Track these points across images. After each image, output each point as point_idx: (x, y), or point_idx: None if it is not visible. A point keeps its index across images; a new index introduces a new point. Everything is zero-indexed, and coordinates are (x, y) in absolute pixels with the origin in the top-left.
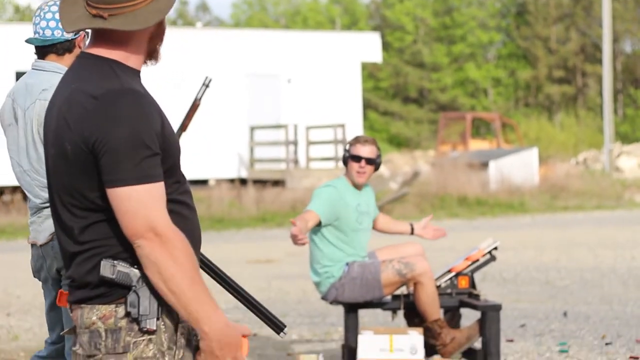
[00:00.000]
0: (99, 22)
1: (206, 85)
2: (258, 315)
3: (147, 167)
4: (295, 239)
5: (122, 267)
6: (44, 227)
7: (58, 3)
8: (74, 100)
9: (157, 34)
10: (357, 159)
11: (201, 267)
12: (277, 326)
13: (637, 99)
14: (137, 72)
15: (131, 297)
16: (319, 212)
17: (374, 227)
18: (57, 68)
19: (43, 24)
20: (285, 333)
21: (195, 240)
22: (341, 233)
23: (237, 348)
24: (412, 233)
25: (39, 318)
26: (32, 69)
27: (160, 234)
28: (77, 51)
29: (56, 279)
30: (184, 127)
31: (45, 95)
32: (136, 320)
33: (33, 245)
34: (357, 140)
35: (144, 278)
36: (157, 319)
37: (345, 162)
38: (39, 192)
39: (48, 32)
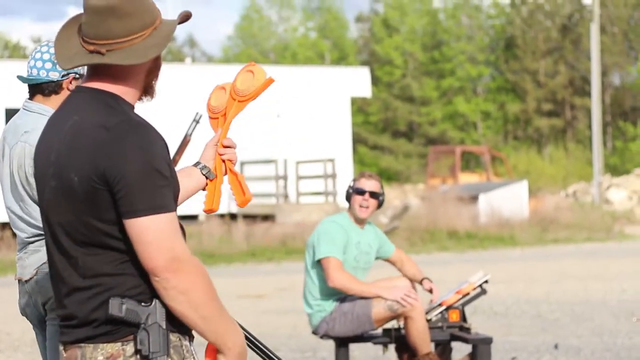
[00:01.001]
0: (97, 57)
1: (197, 121)
2: (260, 354)
3: (163, 197)
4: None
5: (131, 305)
6: (29, 262)
7: (50, 44)
8: (80, 131)
9: (153, 69)
10: (361, 192)
11: None
12: None
13: (626, 132)
14: (133, 107)
15: (141, 334)
16: (339, 256)
17: (394, 265)
18: (42, 110)
19: (32, 62)
20: None
21: None
22: None
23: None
24: (420, 283)
25: (29, 354)
26: (22, 108)
27: (184, 263)
28: (64, 93)
29: (41, 315)
30: (174, 162)
31: (27, 137)
32: (147, 358)
33: (19, 281)
34: (361, 175)
35: (152, 315)
36: (167, 355)
37: (348, 198)
38: (24, 227)
39: (34, 72)
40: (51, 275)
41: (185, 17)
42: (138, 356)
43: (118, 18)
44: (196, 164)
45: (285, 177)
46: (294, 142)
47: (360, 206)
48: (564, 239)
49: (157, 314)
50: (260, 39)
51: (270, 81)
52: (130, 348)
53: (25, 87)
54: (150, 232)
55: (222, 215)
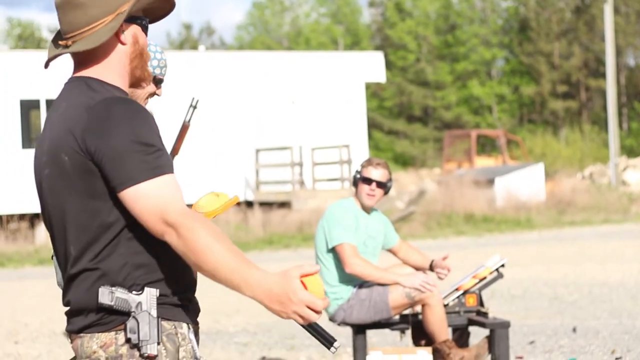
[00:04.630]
0: (61, 49)
1: (194, 107)
2: (308, 329)
3: (152, 162)
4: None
5: (120, 294)
6: None
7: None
8: (66, 115)
9: (135, 55)
10: (368, 181)
11: None
12: (327, 340)
13: None
14: (121, 91)
15: (130, 323)
16: (353, 241)
17: (395, 255)
18: None
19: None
20: (335, 348)
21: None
22: None
23: (289, 300)
24: (430, 269)
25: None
26: None
27: (173, 224)
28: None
29: None
30: (175, 150)
31: None
32: (137, 346)
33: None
34: (369, 162)
35: (143, 303)
36: (158, 343)
37: (355, 184)
38: None
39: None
40: (56, 264)
41: None
42: (128, 345)
43: (75, 9)
44: None
45: (300, 164)
46: (309, 129)
47: (367, 194)
48: (581, 221)
49: (147, 303)
50: (273, 26)
51: (235, 200)
52: (122, 337)
53: (39, 80)
54: (141, 200)
55: (238, 203)
